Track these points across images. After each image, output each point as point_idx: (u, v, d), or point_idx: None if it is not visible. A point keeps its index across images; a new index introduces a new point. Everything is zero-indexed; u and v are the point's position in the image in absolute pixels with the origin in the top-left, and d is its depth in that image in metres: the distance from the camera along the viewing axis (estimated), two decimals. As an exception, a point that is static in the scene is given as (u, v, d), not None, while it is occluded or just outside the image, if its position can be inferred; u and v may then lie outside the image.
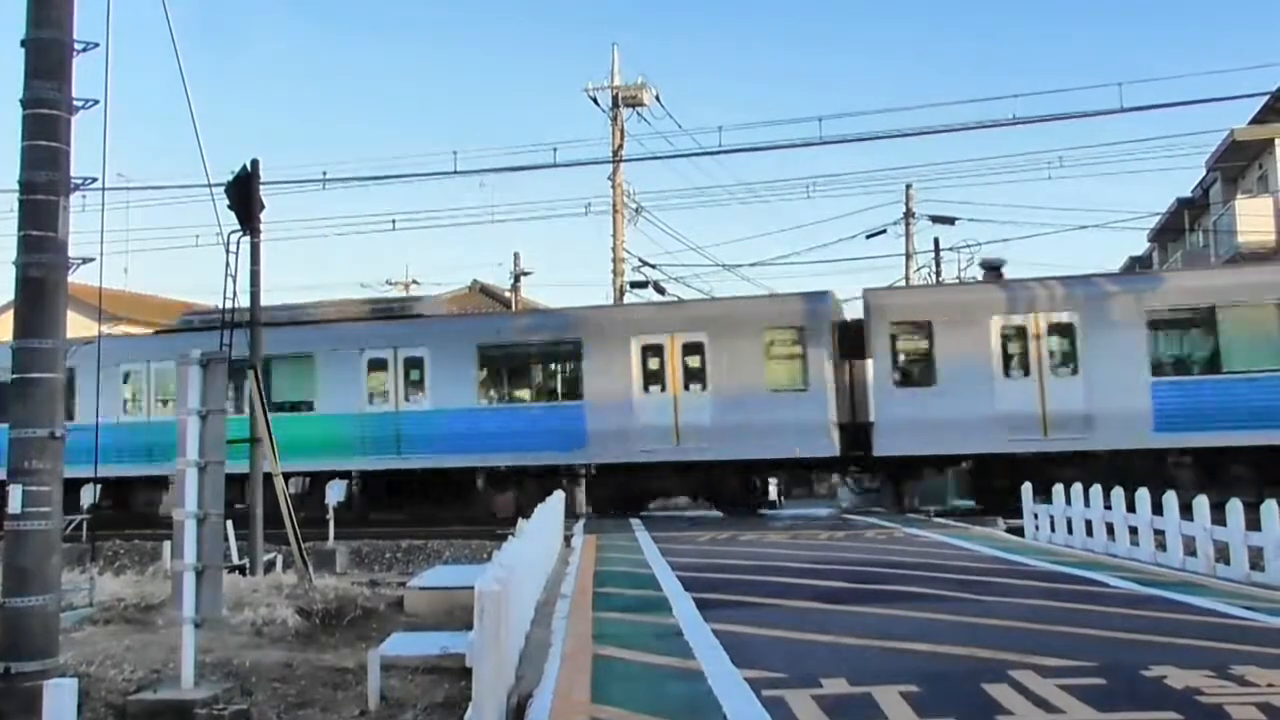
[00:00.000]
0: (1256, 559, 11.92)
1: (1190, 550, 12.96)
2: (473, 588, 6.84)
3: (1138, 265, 44.62)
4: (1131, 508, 14.16)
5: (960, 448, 21.77)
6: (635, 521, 21.78)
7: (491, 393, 24.58)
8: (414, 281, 51.23)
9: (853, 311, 23.77)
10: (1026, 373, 21.52)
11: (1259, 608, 9.69)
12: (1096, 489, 15.15)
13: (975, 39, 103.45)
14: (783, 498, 27.60)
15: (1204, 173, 36.66)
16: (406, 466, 24.15)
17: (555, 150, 34.55)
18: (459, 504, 24.11)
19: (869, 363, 22.41)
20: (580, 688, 7.15)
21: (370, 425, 24.29)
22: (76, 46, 9.01)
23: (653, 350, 23.34)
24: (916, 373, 22.36)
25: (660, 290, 33.51)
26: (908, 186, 37.57)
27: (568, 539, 17.81)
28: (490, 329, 25.60)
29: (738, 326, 23.16)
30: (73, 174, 8.93)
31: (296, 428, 22.65)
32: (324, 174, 32.34)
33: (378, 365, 24.58)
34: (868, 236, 37.23)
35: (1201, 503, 12.81)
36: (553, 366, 24.63)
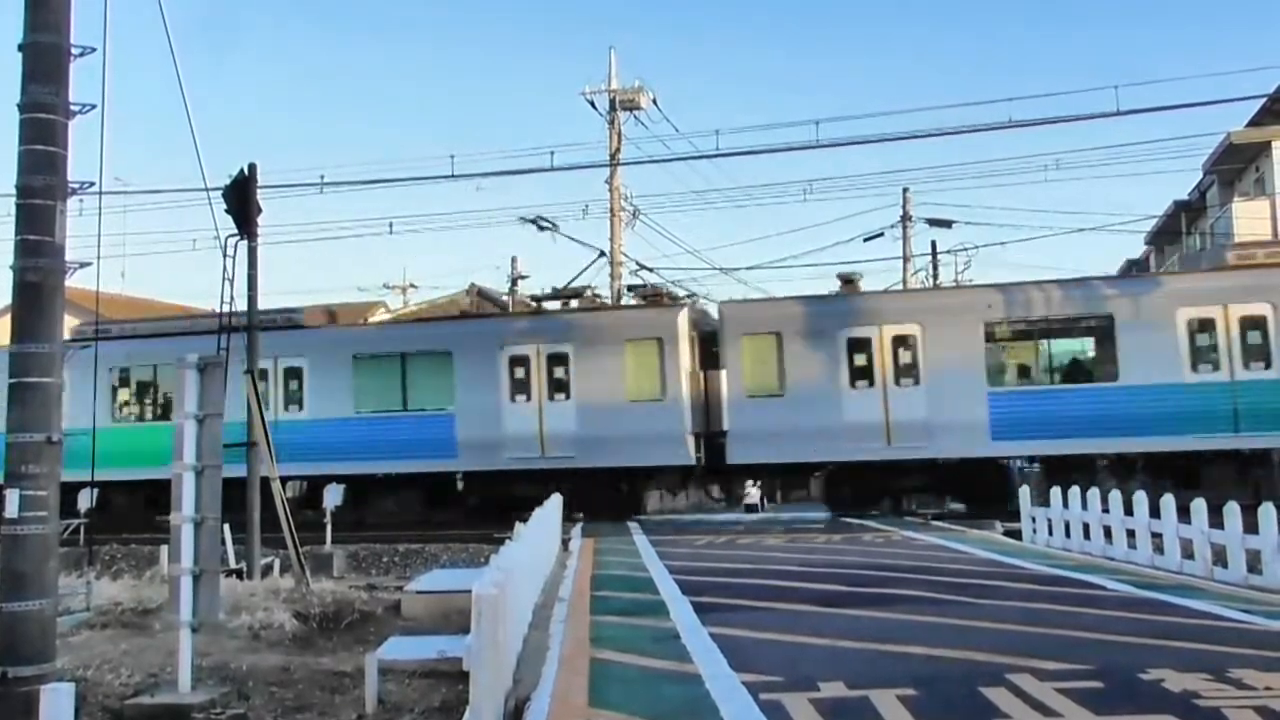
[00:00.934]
0: (1254, 562, 11.93)
1: (1188, 553, 12.97)
2: (470, 591, 6.84)
3: (1134, 268, 44.67)
4: (1129, 511, 14.16)
5: (809, 456, 22.56)
6: (633, 525, 21.79)
7: (366, 402, 24.72)
8: (411, 285, 51.25)
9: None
10: (871, 383, 22.14)
11: (1257, 610, 9.69)
12: (1094, 492, 15.18)
13: (972, 42, 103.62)
14: (764, 501, 27.68)
15: (1201, 175, 36.72)
16: (284, 474, 24.04)
17: (553, 153, 34.65)
18: (337, 511, 23.98)
19: (723, 373, 22.98)
20: (578, 691, 7.15)
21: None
22: (74, 51, 9.00)
23: (520, 361, 23.88)
24: (767, 383, 22.81)
25: (658, 293, 33.48)
26: (905, 190, 37.66)
27: (565, 542, 17.81)
28: (365, 339, 25.93)
29: (600, 338, 23.78)
30: (70, 178, 8.92)
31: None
32: (321, 177, 32.51)
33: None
34: (865, 239, 37.39)
35: (1199, 506, 12.82)
36: (425, 376, 24.80)
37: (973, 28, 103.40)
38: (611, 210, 33.06)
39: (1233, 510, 12.21)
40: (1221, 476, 19.85)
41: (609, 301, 30.72)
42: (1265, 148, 31.52)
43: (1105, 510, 14.75)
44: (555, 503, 17.35)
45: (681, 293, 34.64)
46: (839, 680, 7.05)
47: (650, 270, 33.96)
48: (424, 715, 8.71)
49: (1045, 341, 22.14)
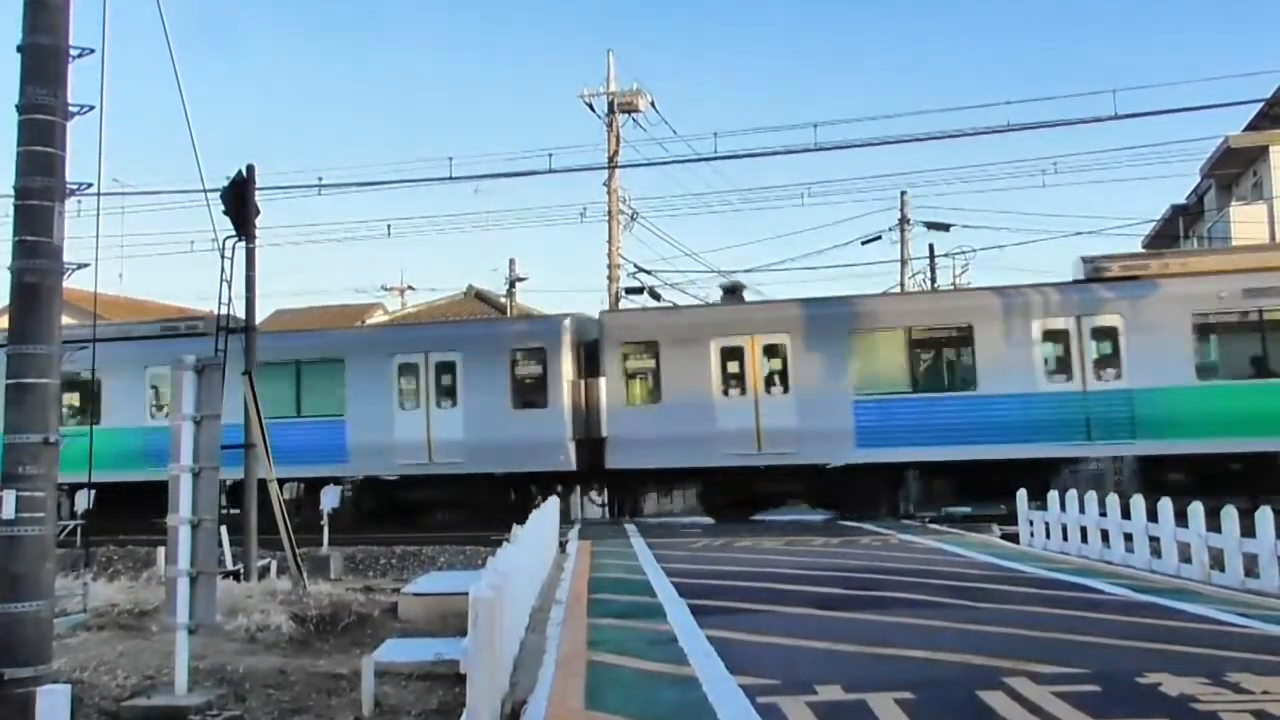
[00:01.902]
0: (1251, 566, 11.93)
1: (1185, 557, 12.97)
2: (467, 594, 6.85)
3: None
4: (1127, 514, 14.17)
5: (684, 462, 23.04)
6: (630, 527, 21.79)
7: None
8: (409, 287, 51.28)
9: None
10: (743, 392, 22.76)
11: (1254, 614, 9.69)
12: (1091, 495, 15.20)
13: (970, 46, 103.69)
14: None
15: (1198, 179, 36.75)
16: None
17: (551, 156, 34.45)
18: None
19: (603, 381, 23.55)
20: (574, 694, 7.14)
21: (154, 439, 23.37)
22: (72, 52, 9.01)
23: (409, 369, 24.39)
24: (644, 391, 23.66)
25: (656, 296, 33.54)
26: (903, 193, 37.71)
27: (563, 545, 17.80)
28: (262, 347, 25.85)
29: (487, 347, 24.48)
30: (68, 179, 8.92)
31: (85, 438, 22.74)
32: (319, 179, 32.52)
33: (161, 380, 24.56)
34: (863, 243, 37.39)
35: (1196, 510, 12.83)
36: (319, 384, 25.14)
37: (971, 32, 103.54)
38: (610, 213, 33.07)
39: (1230, 514, 12.23)
40: (1075, 482, 20.59)
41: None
42: (1263, 152, 31.55)
43: (1103, 514, 14.76)
44: (553, 505, 17.34)
45: (680, 295, 34.81)
46: (836, 683, 7.04)
47: (648, 273, 34.01)
48: (421, 718, 8.71)
49: (910, 351, 22.73)
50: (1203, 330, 21.35)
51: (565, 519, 22.97)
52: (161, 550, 13.76)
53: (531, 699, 7.11)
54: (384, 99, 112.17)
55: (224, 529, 14.53)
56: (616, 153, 33.22)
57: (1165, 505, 13.48)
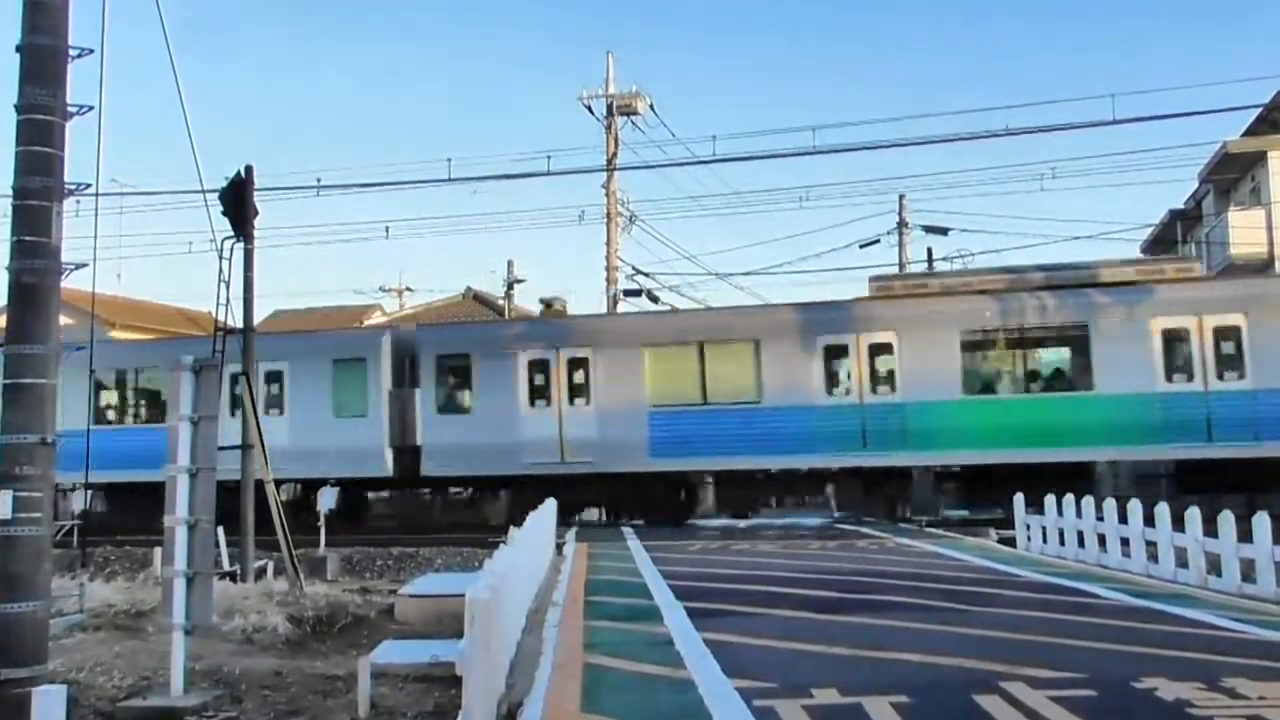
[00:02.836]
0: (1248, 571, 11.94)
1: (1182, 562, 12.98)
2: (464, 596, 6.85)
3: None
4: (1124, 519, 14.18)
5: (494, 470, 23.97)
6: (627, 530, 21.80)
7: (109, 414, 26.15)
8: (407, 289, 51.31)
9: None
10: (549, 403, 23.80)
11: (1250, 620, 9.70)
12: (1089, 499, 15.21)
13: (968, 50, 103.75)
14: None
15: (1196, 184, 36.78)
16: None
17: (550, 158, 34.65)
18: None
19: (418, 391, 24.53)
20: (571, 697, 7.14)
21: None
22: (71, 53, 9.00)
23: (237, 379, 24.54)
24: (457, 401, 24.68)
25: (654, 299, 33.54)
26: (901, 196, 37.66)
27: (560, 547, 17.80)
28: (106, 356, 25.86)
29: (311, 357, 25.22)
30: (67, 179, 8.92)
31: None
32: (318, 180, 32.54)
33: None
34: (861, 246, 37.30)
35: (1194, 515, 12.84)
36: (158, 392, 25.56)
37: (970, 36, 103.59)
38: (608, 215, 33.07)
39: (1227, 519, 12.24)
40: (850, 488, 22.98)
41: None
42: (1261, 157, 31.57)
43: (1100, 518, 14.77)
44: (550, 508, 17.35)
45: (679, 298, 34.82)
46: (832, 687, 7.04)
47: (646, 275, 34.02)
48: (417, 719, 8.70)
49: (702, 364, 23.36)
50: (970, 347, 22.40)
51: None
52: (158, 551, 13.75)
53: (528, 701, 7.11)
54: (383, 100, 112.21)
55: (220, 530, 14.54)
56: (615, 155, 33.22)
57: (1162, 510, 13.50)
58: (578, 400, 23.65)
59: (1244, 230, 30.78)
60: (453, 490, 27.25)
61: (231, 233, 16.73)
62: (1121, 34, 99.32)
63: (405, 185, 46.77)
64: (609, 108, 33.32)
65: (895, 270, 36.79)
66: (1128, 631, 9.19)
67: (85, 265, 9.87)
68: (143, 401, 26.87)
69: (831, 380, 22.59)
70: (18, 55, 8.84)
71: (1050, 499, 16.33)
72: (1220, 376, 20.90)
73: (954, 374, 21.97)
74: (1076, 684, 7.00)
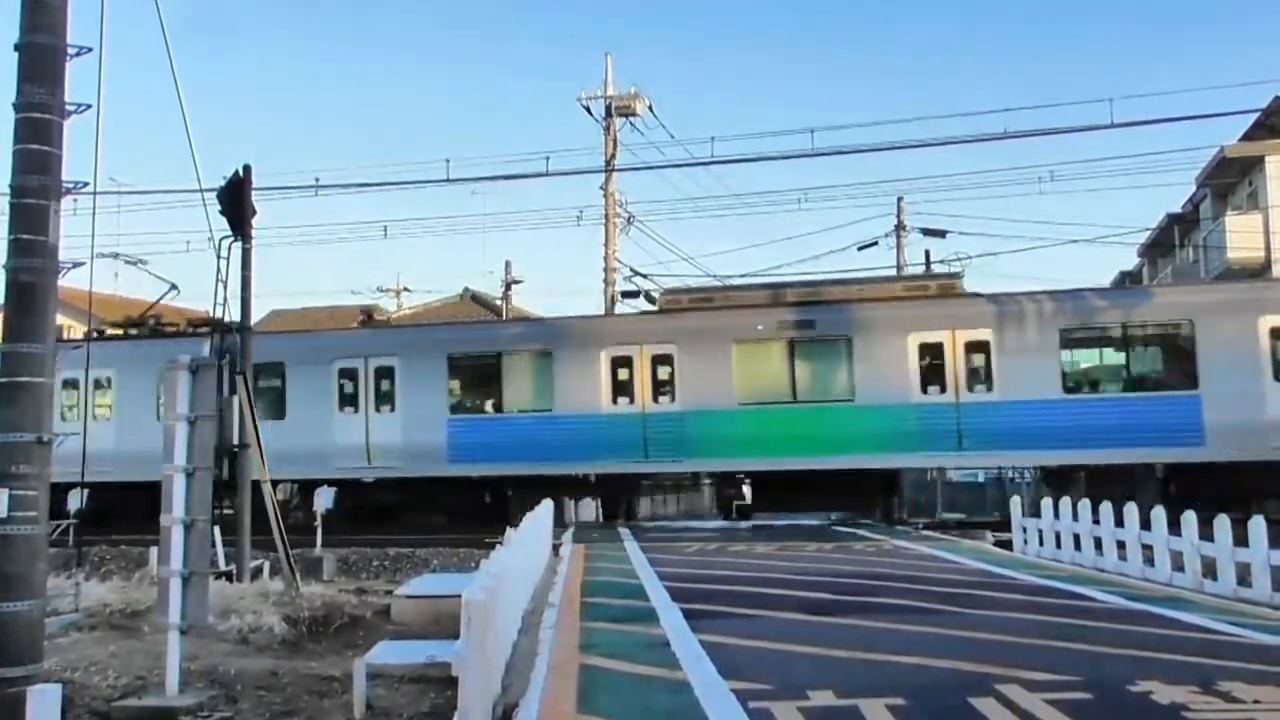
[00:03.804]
0: (1244, 575, 11.95)
1: (1178, 565, 12.99)
2: (460, 596, 6.85)
3: (1128, 280, 44.78)
4: (1120, 523, 14.19)
5: (305, 473, 24.32)
6: (624, 531, 21.79)
7: None
8: (405, 289, 51.28)
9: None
10: (357, 409, 24.85)
11: (1246, 623, 9.72)
12: (1085, 503, 15.22)
13: (967, 54, 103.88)
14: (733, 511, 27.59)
15: (1194, 189, 36.83)
16: None
17: (548, 159, 34.68)
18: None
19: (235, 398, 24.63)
20: (567, 698, 7.14)
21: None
22: (70, 51, 8.99)
23: (71, 384, 25.29)
24: (273, 408, 24.79)
25: (652, 300, 33.50)
26: (899, 199, 37.74)
27: (556, 548, 17.79)
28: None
29: (141, 364, 25.31)
30: (64, 178, 8.91)
31: None
32: (316, 180, 32.51)
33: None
34: (859, 248, 37.37)
35: (1190, 519, 12.85)
36: None
37: (969, 39, 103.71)
38: (606, 216, 33.09)
39: (1222, 523, 12.25)
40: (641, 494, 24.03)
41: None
42: (1258, 161, 31.62)
43: (1096, 522, 14.78)
44: (546, 509, 17.34)
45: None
46: (828, 689, 7.05)
47: (645, 276, 34.02)
48: (413, 720, 8.69)
49: (499, 373, 24.58)
50: (745, 358, 23.29)
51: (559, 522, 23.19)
52: (154, 550, 13.73)
53: (524, 702, 7.11)
54: (381, 100, 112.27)
55: (217, 529, 14.52)
56: (614, 156, 33.24)
57: (1158, 513, 13.51)
58: (383, 407, 24.75)
59: (1241, 235, 30.84)
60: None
61: (229, 232, 16.70)
62: (1120, 39, 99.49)
63: (403, 185, 46.77)
64: (608, 109, 33.35)
65: (893, 272, 36.86)
66: (1123, 634, 9.20)
67: (82, 264, 9.85)
68: None
69: (618, 390, 23.60)
70: (16, 54, 8.84)
71: (1046, 502, 16.32)
72: (970, 388, 22.11)
73: (729, 384, 23.04)
74: (1072, 687, 7.01)
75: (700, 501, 25.69)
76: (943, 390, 22.03)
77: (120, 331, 28.29)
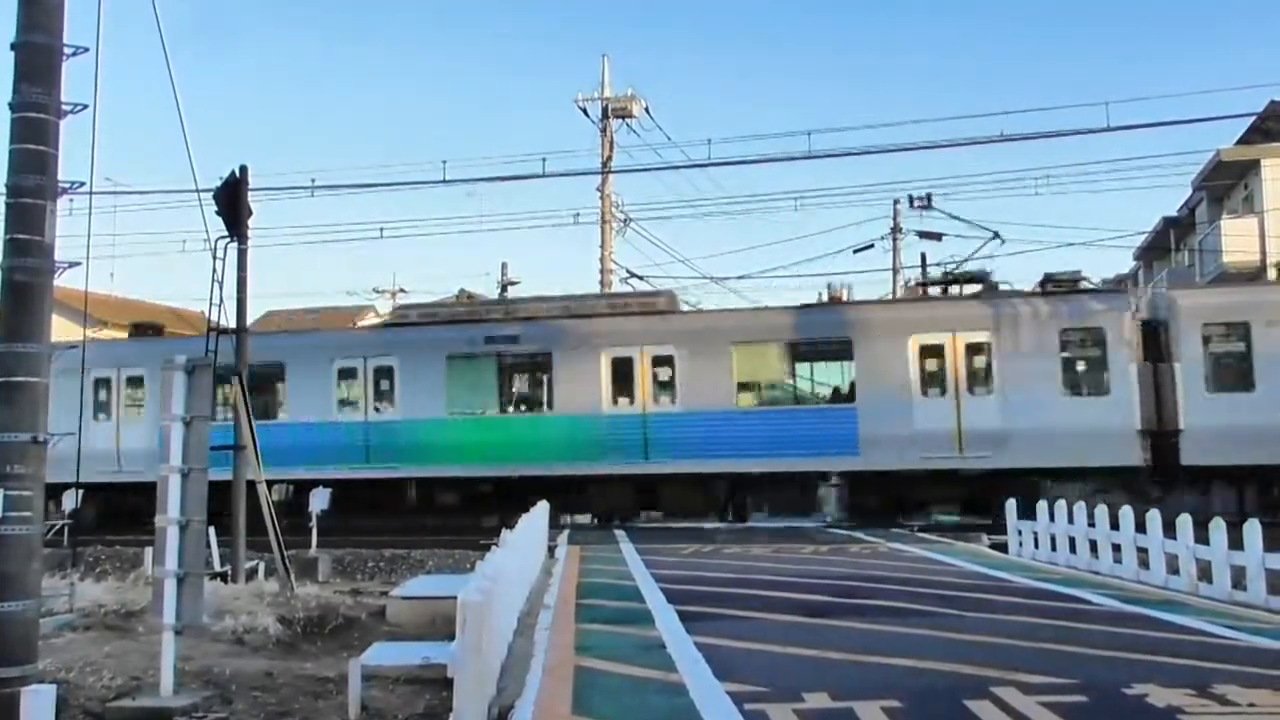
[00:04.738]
0: (1239, 578, 11.96)
1: (1173, 568, 13.00)
2: (455, 598, 6.84)
3: (1123, 283, 44.75)
4: (1115, 525, 14.20)
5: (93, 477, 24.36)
6: (620, 533, 21.78)
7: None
8: (401, 290, 51.17)
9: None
10: (109, 416, 26.19)
11: (1241, 626, 9.73)
12: (1081, 505, 15.23)
13: (964, 57, 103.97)
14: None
15: (1190, 192, 36.87)
16: None
17: (545, 160, 34.59)
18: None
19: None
20: (562, 700, 7.14)
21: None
22: (66, 51, 8.98)
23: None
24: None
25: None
26: (895, 201, 37.74)
27: (552, 549, 17.78)
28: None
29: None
30: (61, 178, 8.90)
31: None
32: (313, 181, 32.39)
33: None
34: (855, 251, 37.33)
35: (1185, 521, 12.86)
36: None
37: (966, 42, 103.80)
38: (603, 217, 33.11)
39: (1218, 526, 12.26)
40: (363, 499, 24.34)
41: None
42: (1254, 165, 31.68)
43: (1091, 524, 14.78)
44: (542, 510, 17.33)
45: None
46: (823, 691, 7.05)
47: (640, 278, 34.05)
48: (407, 722, 8.68)
49: (280, 383, 25.65)
50: (453, 369, 24.60)
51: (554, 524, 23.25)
52: (149, 551, 13.71)
53: (519, 704, 7.11)
54: (378, 101, 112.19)
55: (212, 530, 14.49)
56: (610, 158, 33.27)
57: (1154, 517, 13.52)
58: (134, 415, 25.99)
59: (1237, 238, 30.87)
60: None
61: (226, 233, 16.68)
62: (1117, 42, 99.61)
63: (400, 186, 46.79)
64: (604, 111, 33.40)
65: (890, 274, 36.91)
66: (1119, 637, 9.21)
67: (78, 264, 9.83)
68: None
69: (344, 400, 25.21)
70: (13, 53, 8.83)
71: (1042, 504, 16.34)
72: (656, 400, 23.63)
73: (440, 396, 24.41)
74: (1068, 690, 7.01)
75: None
76: (631, 402, 23.54)
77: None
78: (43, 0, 8.89)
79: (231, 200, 16.74)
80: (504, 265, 42.56)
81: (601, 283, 33.01)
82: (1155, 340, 21.77)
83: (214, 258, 16.36)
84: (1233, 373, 21.43)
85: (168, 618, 9.21)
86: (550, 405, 24.26)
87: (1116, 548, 14.18)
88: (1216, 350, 21.75)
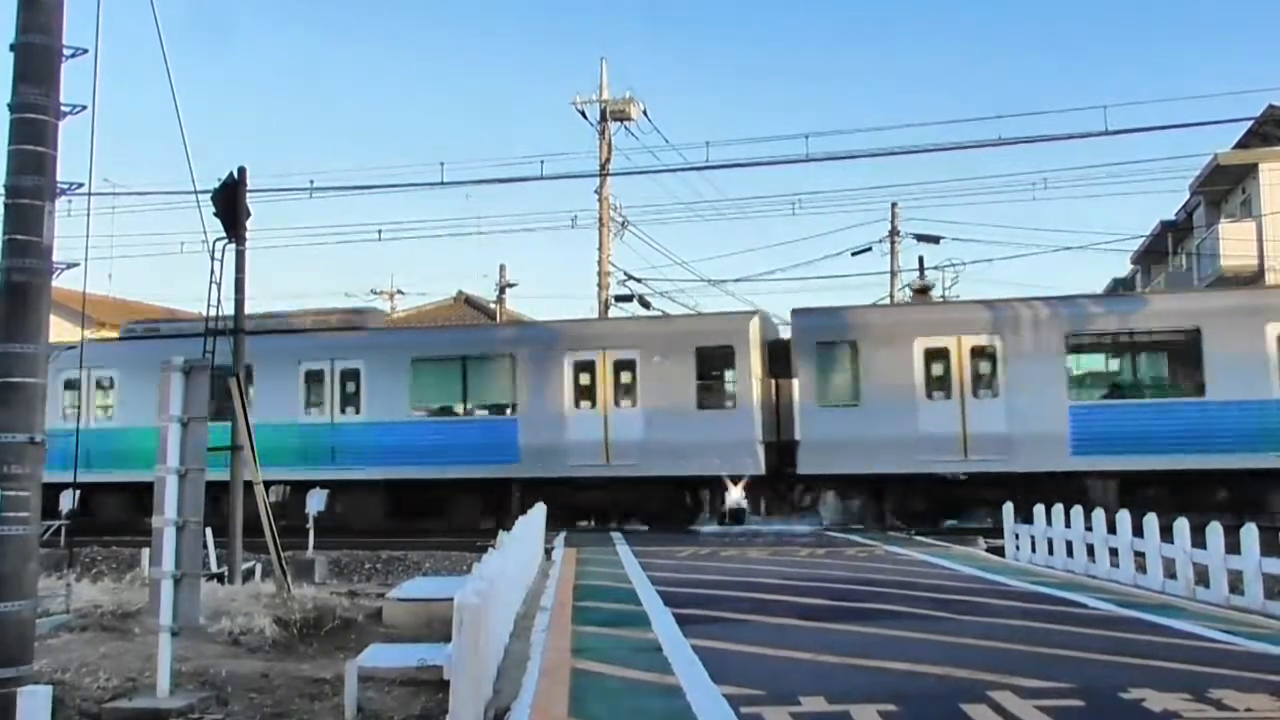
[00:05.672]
0: (1236, 582, 11.97)
1: (1170, 573, 13.00)
2: (452, 600, 6.84)
3: (1121, 287, 44.84)
4: (1112, 529, 14.20)
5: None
6: (616, 535, 21.78)
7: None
8: (399, 291, 51.25)
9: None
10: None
11: (1238, 631, 9.73)
12: (1077, 510, 15.23)
13: (962, 60, 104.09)
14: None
15: (1187, 196, 36.90)
16: None
17: (543, 163, 34.57)
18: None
19: None
20: (558, 702, 7.14)
21: None
22: (65, 52, 8.98)
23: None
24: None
25: (645, 304, 33.56)
26: (893, 205, 37.78)
27: (548, 551, 17.78)
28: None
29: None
30: (59, 178, 8.89)
31: None
32: (311, 182, 32.42)
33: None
34: (853, 254, 37.42)
35: (1182, 526, 12.87)
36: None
37: (963, 46, 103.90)
38: (600, 220, 33.08)
39: (1215, 531, 12.27)
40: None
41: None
42: (1252, 169, 31.70)
43: (1088, 528, 14.78)
44: (539, 512, 17.34)
45: (670, 304, 34.88)
46: (820, 694, 7.05)
47: (638, 281, 34.05)
48: (404, 723, 8.67)
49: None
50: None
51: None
52: (146, 552, 13.69)
53: (515, 706, 7.11)
54: (377, 103, 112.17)
55: (209, 531, 14.47)
56: (608, 160, 33.23)
57: (1151, 521, 13.53)
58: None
59: (1234, 242, 30.90)
60: None
61: (224, 234, 16.66)
62: (1114, 46, 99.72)
63: (398, 188, 46.64)
64: (602, 113, 33.35)
65: (887, 279, 36.95)
66: (1115, 642, 9.20)
67: (76, 265, 9.83)
68: None
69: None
70: (11, 54, 8.83)
71: (1039, 508, 16.35)
72: (343, 411, 25.53)
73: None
74: (1064, 694, 7.01)
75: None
76: (321, 412, 25.53)
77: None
78: (41, 1, 8.89)
79: (230, 202, 16.72)
80: (502, 267, 42.53)
81: (599, 285, 32.99)
82: (785, 357, 23.68)
83: (212, 259, 16.35)
84: (842, 389, 23.14)
85: (164, 619, 9.20)
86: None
87: (1114, 551, 14.18)
88: (826, 368, 23.39)
